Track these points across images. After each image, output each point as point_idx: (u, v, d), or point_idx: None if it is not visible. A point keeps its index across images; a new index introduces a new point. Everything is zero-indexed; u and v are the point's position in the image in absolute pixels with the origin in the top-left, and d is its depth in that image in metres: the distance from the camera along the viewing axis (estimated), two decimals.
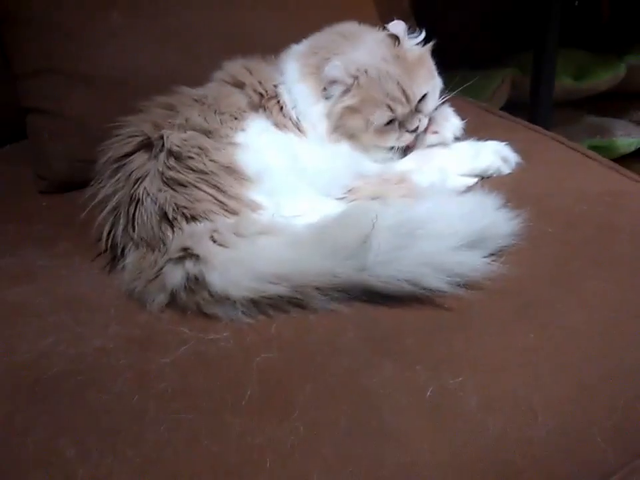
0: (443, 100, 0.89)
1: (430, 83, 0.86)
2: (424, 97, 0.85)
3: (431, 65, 0.88)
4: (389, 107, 0.82)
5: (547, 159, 0.94)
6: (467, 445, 0.54)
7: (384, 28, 0.87)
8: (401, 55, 0.84)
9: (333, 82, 0.82)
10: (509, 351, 0.61)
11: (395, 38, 0.85)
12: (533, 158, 0.91)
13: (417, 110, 0.85)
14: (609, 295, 0.67)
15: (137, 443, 0.54)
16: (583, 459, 0.55)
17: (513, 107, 1.34)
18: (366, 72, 0.82)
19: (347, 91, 0.82)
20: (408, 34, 0.87)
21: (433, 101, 0.87)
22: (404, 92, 0.83)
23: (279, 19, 1.07)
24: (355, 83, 0.82)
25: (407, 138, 0.86)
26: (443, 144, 0.90)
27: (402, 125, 0.85)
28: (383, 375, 0.59)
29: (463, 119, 0.92)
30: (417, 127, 0.86)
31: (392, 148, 0.86)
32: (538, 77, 1.52)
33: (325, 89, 0.84)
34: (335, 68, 0.82)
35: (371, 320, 0.65)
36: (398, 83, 0.82)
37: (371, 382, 0.58)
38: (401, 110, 0.83)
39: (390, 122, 0.84)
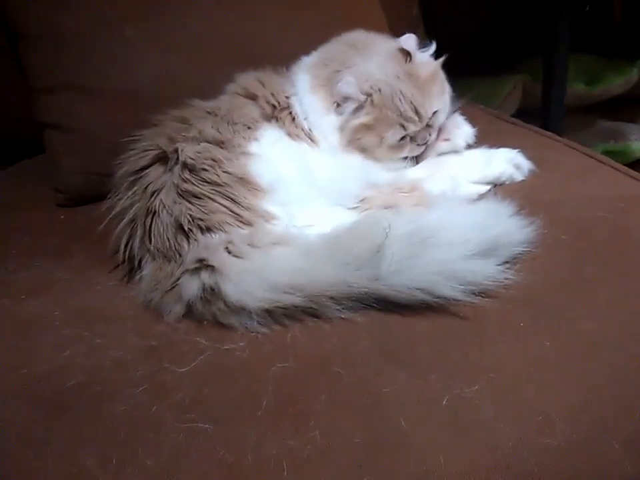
0: (455, 110, 0.90)
1: (441, 99, 0.87)
2: (435, 112, 0.86)
3: (442, 79, 0.89)
4: (402, 126, 0.84)
5: (560, 165, 0.94)
6: (483, 455, 0.53)
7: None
8: (413, 72, 0.85)
9: (347, 98, 0.83)
10: (524, 359, 0.61)
11: (407, 53, 0.86)
12: (546, 164, 0.91)
13: (427, 125, 0.86)
14: (624, 302, 0.67)
15: (155, 452, 0.54)
16: (600, 467, 0.55)
17: (524, 114, 1.35)
18: (379, 90, 0.83)
19: (360, 107, 0.83)
20: (419, 47, 0.87)
21: (443, 115, 0.88)
22: (416, 111, 0.84)
23: (288, 29, 1.08)
24: (369, 100, 0.83)
25: (418, 150, 0.88)
26: (454, 151, 0.90)
27: (412, 139, 0.86)
28: (397, 384, 0.59)
29: (474, 127, 0.92)
30: (427, 140, 0.87)
31: (403, 158, 0.87)
32: (549, 82, 1.51)
33: (337, 104, 0.85)
34: (348, 84, 0.83)
35: (385, 329, 0.66)
36: (411, 103, 0.84)
37: (385, 391, 0.58)
38: (413, 127, 0.85)
39: (402, 138, 0.85)
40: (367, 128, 0.84)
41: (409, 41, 0.86)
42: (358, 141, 0.85)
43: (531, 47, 1.60)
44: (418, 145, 0.87)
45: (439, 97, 0.87)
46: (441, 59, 0.89)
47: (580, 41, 1.55)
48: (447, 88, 0.89)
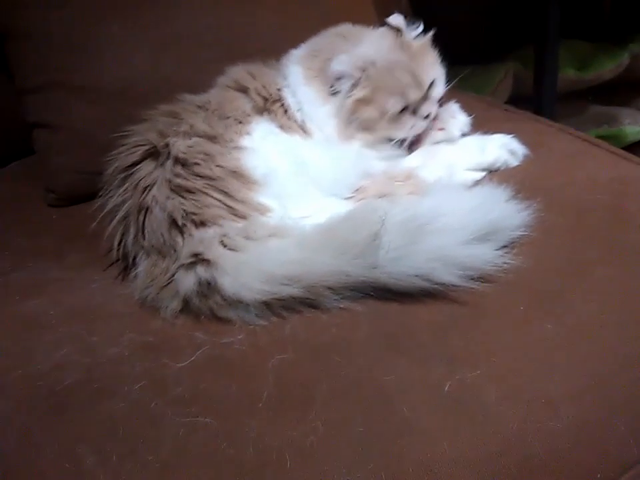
0: (445, 93, 0.89)
1: (436, 68, 0.87)
2: (432, 83, 0.86)
3: (434, 52, 0.89)
4: (402, 94, 0.83)
5: (554, 149, 0.93)
6: (488, 440, 0.53)
7: (384, 23, 0.88)
8: (405, 44, 0.85)
9: (340, 77, 0.83)
10: (526, 343, 0.61)
11: (397, 29, 0.86)
12: (541, 149, 0.90)
13: (426, 97, 0.85)
14: (623, 283, 0.67)
15: (156, 448, 0.54)
16: (605, 449, 0.54)
17: (516, 101, 1.34)
18: (374, 63, 0.83)
19: (355, 84, 0.83)
20: (407, 26, 0.87)
21: (440, 86, 0.88)
22: (414, 77, 0.83)
23: (277, 24, 1.07)
24: (364, 75, 0.82)
25: (421, 125, 0.86)
26: (449, 141, 0.90)
27: (415, 112, 0.85)
28: (398, 371, 0.58)
29: (469, 115, 0.92)
30: (430, 114, 0.86)
31: (402, 141, 0.86)
32: (541, 69, 1.51)
33: (331, 85, 0.84)
34: (341, 62, 0.82)
35: (384, 317, 0.65)
36: (408, 69, 0.83)
37: (387, 379, 0.58)
38: (413, 95, 0.84)
39: (403, 110, 0.84)
40: (365, 102, 0.83)
41: (397, 19, 0.87)
42: (357, 119, 0.84)
43: (522, 34, 1.60)
44: (421, 118, 0.86)
45: (434, 66, 0.87)
46: (429, 34, 0.89)
47: (570, 27, 1.55)
48: (439, 61, 0.89)
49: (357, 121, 0.84)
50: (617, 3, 1.77)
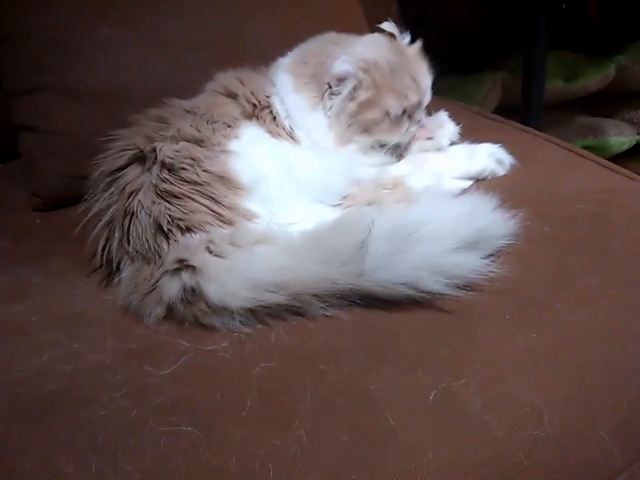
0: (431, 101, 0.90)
1: (428, 75, 0.89)
2: (427, 87, 0.87)
3: (424, 60, 0.90)
4: (405, 95, 0.84)
5: (541, 159, 0.94)
6: (472, 448, 0.53)
7: (374, 31, 0.89)
8: (400, 49, 0.87)
9: (343, 78, 0.82)
10: (511, 352, 0.61)
11: (391, 35, 0.87)
12: (527, 159, 0.91)
13: (421, 102, 0.87)
14: (609, 293, 0.67)
15: (136, 457, 0.53)
16: (589, 458, 0.55)
17: (504, 111, 1.35)
18: (376, 64, 0.83)
19: (358, 85, 0.82)
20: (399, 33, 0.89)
21: (430, 93, 0.89)
22: (415, 80, 0.85)
23: (269, 29, 1.07)
24: (368, 76, 0.82)
25: (413, 130, 0.88)
26: (438, 149, 0.90)
27: (409, 116, 0.86)
28: (384, 380, 0.58)
29: (457, 124, 0.92)
30: (420, 119, 0.88)
31: (394, 148, 0.87)
32: (528, 79, 1.53)
33: (330, 86, 0.83)
34: (345, 62, 0.82)
35: (370, 325, 0.65)
36: (408, 72, 0.84)
37: (372, 387, 0.57)
38: (414, 98, 0.85)
39: (402, 113, 0.85)
40: (367, 104, 0.83)
41: (390, 25, 0.88)
42: (358, 121, 0.84)
43: (510, 44, 1.61)
44: (415, 122, 0.87)
45: (427, 72, 0.88)
46: (418, 42, 0.90)
47: (558, 38, 1.56)
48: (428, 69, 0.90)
49: (358, 123, 0.84)
50: (604, 14, 1.79)
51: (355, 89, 0.82)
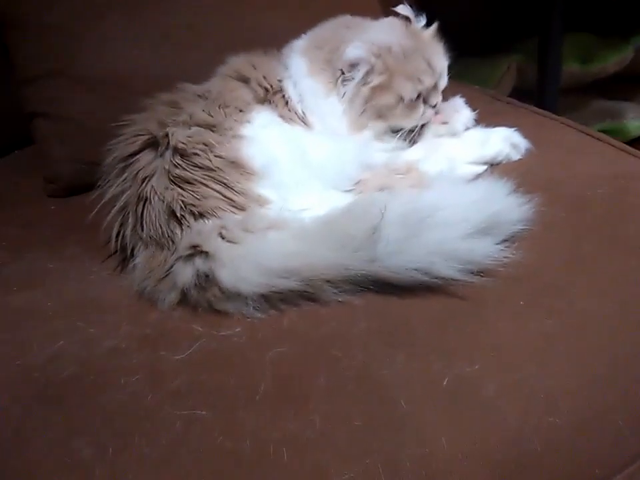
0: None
1: (444, 58, 0.88)
2: (442, 70, 0.86)
3: (440, 43, 0.89)
4: (419, 79, 0.83)
5: (557, 143, 0.93)
6: (486, 434, 0.53)
7: (392, 13, 0.88)
8: (415, 32, 0.86)
9: (355, 64, 0.82)
10: (525, 338, 0.60)
11: (406, 18, 0.87)
12: (543, 143, 0.89)
13: (436, 85, 0.86)
14: (624, 278, 0.66)
15: (152, 441, 0.53)
16: (604, 445, 0.54)
17: (519, 95, 1.33)
18: (389, 49, 0.82)
19: (371, 70, 0.82)
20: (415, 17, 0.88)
21: (445, 77, 0.88)
22: (429, 64, 0.84)
23: (278, 15, 1.07)
24: (380, 61, 0.82)
25: (429, 114, 0.87)
26: (453, 134, 0.89)
27: (425, 100, 0.86)
28: (397, 365, 0.58)
29: (473, 110, 0.91)
30: (437, 103, 0.87)
31: (409, 132, 0.86)
32: (544, 62, 1.50)
33: (342, 72, 0.83)
34: (357, 48, 0.81)
35: (382, 311, 0.65)
36: (422, 55, 0.83)
37: (385, 373, 0.57)
38: (428, 82, 0.84)
39: (417, 98, 0.84)
40: (382, 89, 0.83)
41: (405, 9, 0.87)
42: (373, 107, 0.83)
43: (526, 27, 1.58)
44: (430, 106, 0.86)
45: (442, 55, 0.88)
46: (434, 25, 0.89)
47: (574, 20, 1.53)
48: (444, 52, 0.89)
49: (372, 108, 0.84)
50: None
51: (367, 74, 0.82)
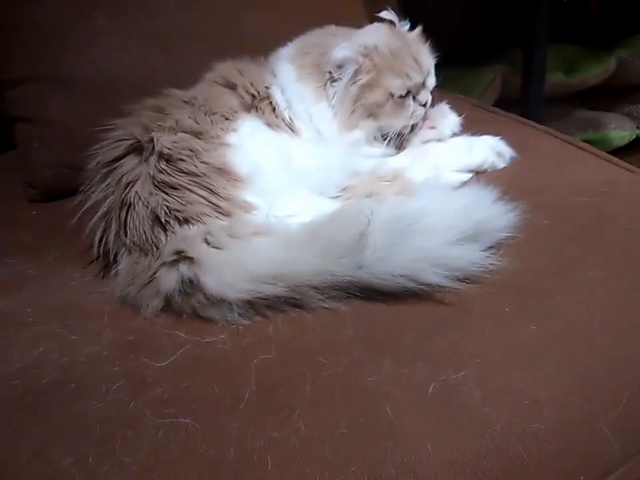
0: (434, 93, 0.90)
1: (430, 58, 0.89)
2: (429, 69, 0.88)
3: (426, 44, 0.90)
4: (407, 75, 0.84)
5: (541, 152, 0.94)
6: (472, 441, 0.53)
7: (375, 20, 0.90)
8: (401, 34, 0.88)
9: (342, 64, 0.82)
10: (511, 344, 0.60)
11: (391, 22, 0.88)
12: (527, 151, 0.90)
13: (425, 84, 0.87)
14: (609, 285, 0.67)
15: (134, 449, 0.52)
16: (589, 451, 0.54)
17: (503, 104, 1.34)
18: (376, 48, 0.84)
19: (359, 69, 0.83)
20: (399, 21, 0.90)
21: (433, 76, 0.89)
22: (416, 60, 0.85)
23: (265, 19, 1.07)
24: (367, 60, 0.83)
25: (420, 112, 0.87)
26: (440, 139, 0.90)
27: (415, 98, 0.86)
28: (383, 372, 0.58)
29: (459, 115, 0.92)
30: (427, 101, 0.88)
31: (398, 135, 0.86)
32: (528, 72, 1.52)
33: (331, 74, 0.83)
34: (344, 49, 0.82)
35: (369, 317, 0.64)
36: (409, 53, 0.85)
37: (371, 380, 0.57)
38: (416, 78, 0.85)
39: (406, 95, 0.85)
40: (370, 87, 0.83)
41: (389, 13, 0.89)
42: (362, 105, 0.84)
43: (510, 37, 1.60)
44: (420, 105, 0.87)
45: (428, 55, 0.89)
46: (418, 29, 0.90)
47: (558, 31, 1.55)
48: (430, 52, 0.91)
49: (362, 107, 0.84)
50: (604, 7, 1.78)
51: (355, 73, 0.82)
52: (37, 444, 0.54)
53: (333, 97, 0.83)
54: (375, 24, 0.90)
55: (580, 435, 0.54)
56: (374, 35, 0.86)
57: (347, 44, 0.83)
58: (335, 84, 0.83)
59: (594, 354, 0.60)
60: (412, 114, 0.86)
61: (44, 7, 0.97)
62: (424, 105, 0.87)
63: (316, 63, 0.85)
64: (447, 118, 0.91)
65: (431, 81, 0.89)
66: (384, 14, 0.89)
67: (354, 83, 0.83)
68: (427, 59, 0.88)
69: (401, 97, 0.84)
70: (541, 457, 0.53)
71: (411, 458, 0.51)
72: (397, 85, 0.83)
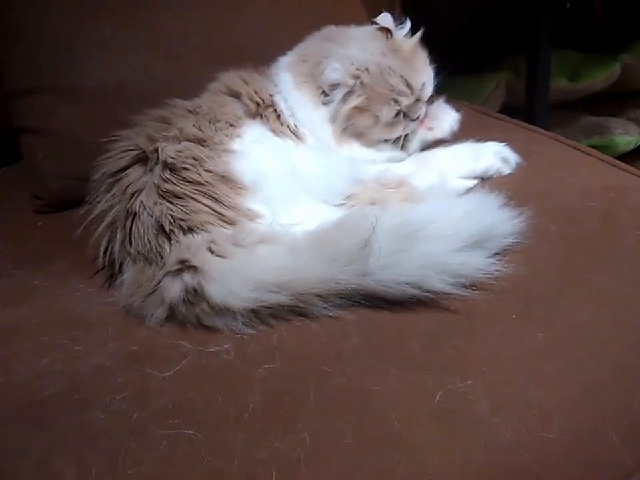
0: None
1: (427, 70, 0.88)
2: (423, 85, 0.86)
3: (424, 53, 0.89)
4: (396, 101, 0.83)
5: (547, 157, 0.93)
6: (480, 451, 0.52)
7: (372, 23, 0.89)
8: (396, 47, 0.86)
9: (335, 85, 0.83)
10: (518, 352, 0.59)
11: (387, 31, 0.87)
12: (533, 157, 0.90)
13: (417, 99, 0.86)
14: (616, 290, 0.66)
15: (137, 461, 0.52)
16: (599, 460, 0.53)
17: (508, 111, 1.34)
18: (367, 70, 0.83)
19: (350, 92, 0.83)
20: (395, 26, 0.88)
21: (429, 87, 0.89)
22: (407, 84, 0.84)
23: (268, 25, 1.07)
24: (358, 83, 0.83)
25: (412, 126, 0.87)
26: (441, 137, 0.90)
27: (405, 115, 0.86)
28: (388, 381, 0.57)
29: (457, 111, 0.92)
30: (419, 115, 0.87)
31: (396, 139, 0.87)
32: (533, 79, 1.52)
33: (324, 93, 0.84)
34: (335, 70, 0.82)
35: (374, 325, 0.64)
36: (400, 76, 0.84)
37: (376, 389, 0.56)
38: (406, 102, 0.84)
39: (396, 114, 0.85)
40: (359, 110, 0.84)
41: (385, 18, 0.87)
42: (352, 126, 0.84)
43: (513, 44, 1.60)
44: (412, 120, 0.87)
45: (425, 68, 0.88)
46: (418, 33, 0.89)
47: (562, 37, 1.55)
48: (428, 61, 0.90)
49: (352, 127, 0.85)
50: (608, 13, 1.78)
51: (346, 95, 0.83)
52: (40, 455, 0.54)
53: (328, 113, 0.84)
54: (370, 31, 0.88)
55: (589, 443, 0.54)
56: (368, 48, 0.85)
57: (338, 65, 0.82)
58: (327, 103, 0.84)
59: (602, 361, 0.59)
60: (403, 129, 0.86)
61: (50, 18, 0.98)
62: (417, 118, 0.87)
63: (311, 71, 0.85)
64: (446, 114, 0.92)
65: (427, 93, 0.88)
66: (380, 19, 0.88)
67: (346, 104, 0.83)
68: (422, 72, 0.87)
69: (387, 121, 0.84)
70: (550, 466, 0.52)
71: (418, 469, 0.50)
72: (385, 111, 0.83)
